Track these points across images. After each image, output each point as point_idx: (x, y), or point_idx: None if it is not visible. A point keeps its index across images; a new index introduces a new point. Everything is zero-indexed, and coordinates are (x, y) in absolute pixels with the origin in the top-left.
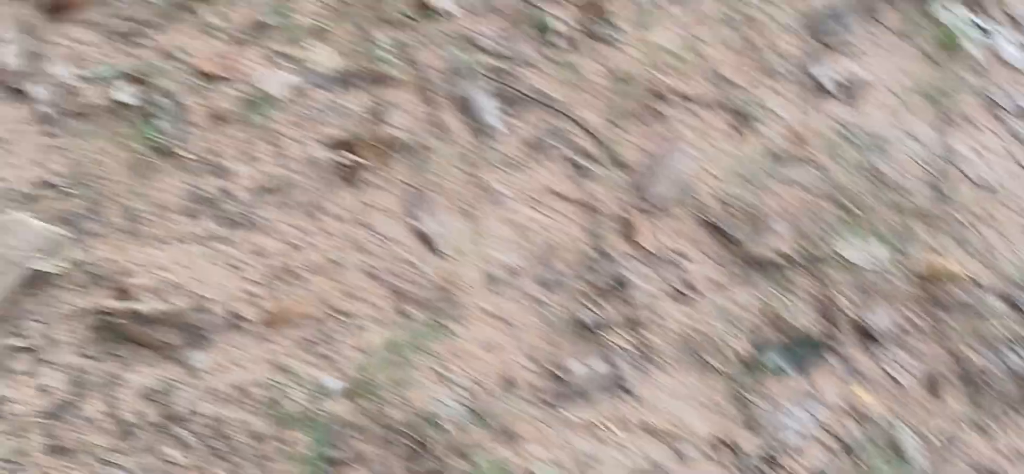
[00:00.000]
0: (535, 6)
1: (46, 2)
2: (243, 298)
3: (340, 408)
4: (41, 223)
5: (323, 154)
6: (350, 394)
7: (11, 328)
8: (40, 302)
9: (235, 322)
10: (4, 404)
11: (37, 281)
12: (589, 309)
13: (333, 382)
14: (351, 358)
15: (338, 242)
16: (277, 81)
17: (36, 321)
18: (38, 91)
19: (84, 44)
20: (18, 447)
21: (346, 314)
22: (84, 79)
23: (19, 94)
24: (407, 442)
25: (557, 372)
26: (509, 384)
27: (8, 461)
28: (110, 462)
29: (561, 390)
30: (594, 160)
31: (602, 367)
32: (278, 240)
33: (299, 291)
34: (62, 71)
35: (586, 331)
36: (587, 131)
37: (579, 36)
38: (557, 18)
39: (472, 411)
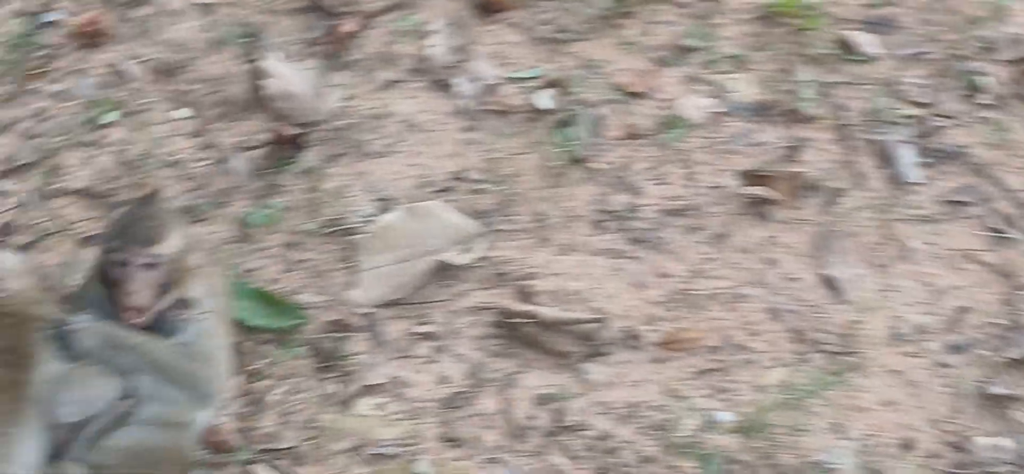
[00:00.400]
0: (965, 58)
1: (477, 0)
2: (642, 318)
3: (730, 443)
4: (454, 215)
5: (733, 183)
6: (742, 430)
7: (417, 314)
8: (446, 292)
9: (632, 340)
10: (404, 387)
11: (445, 271)
12: (999, 382)
13: (725, 415)
14: (745, 394)
15: (741, 274)
16: (694, 105)
17: (441, 310)
18: (461, 86)
19: (509, 45)
20: (413, 430)
21: (743, 348)
22: (506, 79)
23: (444, 87)
24: None
25: (959, 443)
26: (906, 447)
27: (403, 443)
28: (498, 460)
29: (962, 462)
30: (1014, 226)
31: (1009, 444)
32: (681, 264)
33: (698, 318)
34: (486, 69)
35: (994, 404)
36: (1009, 195)
37: (1009, 96)
38: (986, 75)
39: (866, 469)
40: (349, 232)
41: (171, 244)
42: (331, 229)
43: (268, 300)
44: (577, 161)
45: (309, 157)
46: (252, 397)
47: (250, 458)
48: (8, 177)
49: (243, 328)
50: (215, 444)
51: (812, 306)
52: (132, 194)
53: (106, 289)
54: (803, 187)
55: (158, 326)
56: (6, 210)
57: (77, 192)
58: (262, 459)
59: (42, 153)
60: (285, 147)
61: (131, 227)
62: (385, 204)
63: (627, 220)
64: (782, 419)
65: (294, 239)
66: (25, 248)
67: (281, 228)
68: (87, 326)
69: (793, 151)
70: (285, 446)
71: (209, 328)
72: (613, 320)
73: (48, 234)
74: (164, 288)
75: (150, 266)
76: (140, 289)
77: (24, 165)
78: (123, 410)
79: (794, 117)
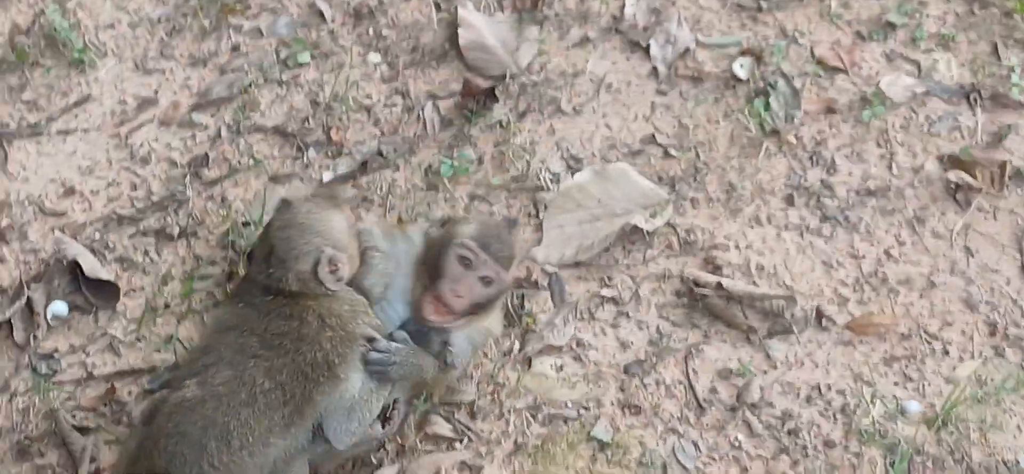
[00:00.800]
0: None
1: None
2: (831, 298)
3: (917, 434)
4: (644, 180)
5: (933, 167)
6: (930, 422)
7: (602, 277)
8: (631, 257)
9: (820, 320)
10: (586, 349)
11: (633, 236)
12: None
13: (914, 405)
14: (935, 384)
15: (936, 261)
16: (895, 83)
17: (626, 275)
18: (657, 49)
19: (706, 9)
20: (593, 394)
21: (935, 337)
22: (703, 45)
23: (639, 48)
24: None
25: None
26: None
27: (583, 405)
28: (676, 431)
29: None
30: None
31: None
32: (874, 246)
33: (888, 303)
34: (682, 33)
35: None
36: None
37: None
38: None
39: None
40: (537, 189)
41: (511, 277)
42: (518, 185)
43: None
44: (771, 133)
45: (500, 110)
46: None
47: (427, 409)
48: (204, 110)
49: None
50: None
51: (1011, 299)
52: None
53: (428, 266)
54: (1007, 175)
55: (433, 332)
56: (199, 143)
57: (269, 129)
58: (439, 411)
59: (237, 89)
60: (476, 99)
61: (494, 241)
62: (574, 163)
63: (820, 197)
64: (973, 414)
65: (480, 191)
66: (216, 182)
67: (468, 180)
68: (397, 355)
69: (997, 137)
70: (463, 400)
71: (465, 361)
72: (801, 298)
73: (239, 169)
74: (478, 309)
75: (487, 281)
76: (464, 294)
77: (219, 99)
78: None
79: (1000, 102)
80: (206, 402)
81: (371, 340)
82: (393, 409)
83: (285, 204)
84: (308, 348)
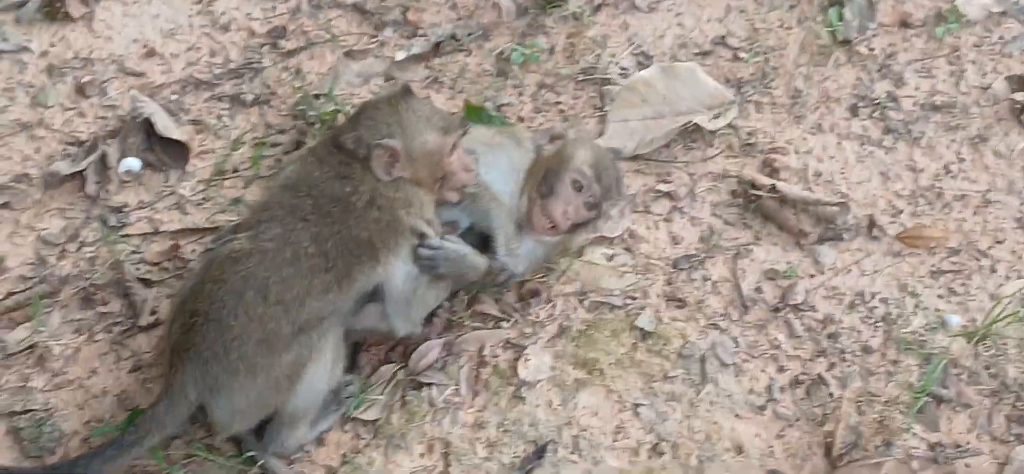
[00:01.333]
0: None
1: None
2: (885, 208)
3: (956, 347)
4: (711, 80)
5: (1001, 87)
6: (970, 336)
7: (660, 172)
8: (692, 155)
9: (871, 229)
10: (638, 241)
11: (694, 134)
12: None
13: (955, 318)
14: (979, 301)
15: (994, 180)
16: (972, 1)
17: (684, 172)
18: None
19: None
20: (640, 284)
21: (984, 255)
22: None
23: None
24: (1013, 402)
25: None
26: None
27: (630, 295)
28: (718, 326)
29: None
30: None
31: None
32: (934, 161)
33: (942, 217)
34: None
35: None
36: None
37: None
38: None
39: None
40: (604, 81)
41: (612, 208)
42: (586, 77)
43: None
44: (843, 43)
45: (576, 2)
46: None
47: (479, 287)
48: None
49: None
50: None
51: None
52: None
53: (539, 180)
54: None
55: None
56: (279, 15)
57: (348, 6)
58: (489, 291)
59: None
60: None
61: (606, 174)
62: (643, 59)
63: (885, 109)
64: (1012, 332)
65: (549, 81)
66: (292, 53)
67: (538, 69)
68: (444, 249)
69: None
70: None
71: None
72: (855, 207)
73: (315, 42)
74: (575, 227)
75: (591, 207)
76: (571, 215)
77: None
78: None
79: None
80: (252, 255)
81: (422, 235)
82: (439, 308)
83: (406, 90)
84: (355, 223)
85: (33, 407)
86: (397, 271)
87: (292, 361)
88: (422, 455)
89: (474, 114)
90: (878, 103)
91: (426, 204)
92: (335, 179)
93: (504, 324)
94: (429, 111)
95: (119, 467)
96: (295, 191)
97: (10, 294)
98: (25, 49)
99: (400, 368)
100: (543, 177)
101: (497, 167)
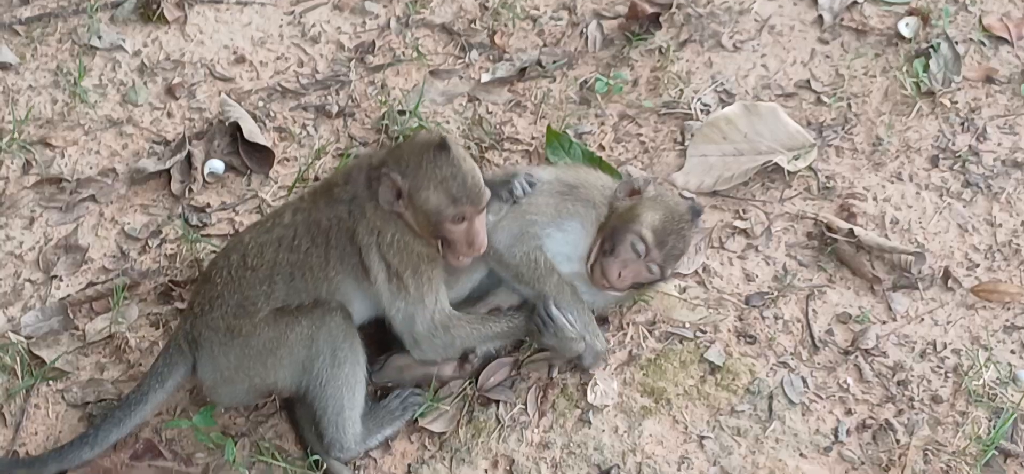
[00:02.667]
0: None
1: None
2: (961, 260)
3: None
4: (792, 122)
5: None
6: None
7: (737, 209)
8: (769, 195)
9: (946, 280)
10: (711, 275)
11: (773, 173)
12: None
13: None
14: None
15: None
16: None
17: (761, 210)
18: None
19: None
20: (711, 318)
21: None
22: (872, 0)
23: None
24: None
25: None
26: None
27: (701, 328)
28: (787, 365)
29: None
30: None
31: None
32: (1012, 217)
33: (1018, 273)
34: None
35: None
36: None
37: None
38: None
39: None
40: (686, 116)
41: (673, 269)
42: (668, 110)
43: (594, 163)
44: (926, 94)
45: (662, 37)
46: None
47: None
48: (376, 0)
49: None
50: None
51: None
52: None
53: (606, 235)
54: None
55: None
56: (368, 30)
57: (436, 26)
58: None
59: None
60: (640, 23)
61: (671, 238)
62: (727, 98)
63: (965, 162)
64: None
65: (631, 112)
66: (379, 69)
67: (621, 100)
68: (557, 323)
69: None
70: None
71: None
72: (931, 257)
73: (402, 59)
74: (637, 287)
75: (651, 272)
76: (628, 278)
77: None
78: None
79: None
80: (249, 230)
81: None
82: (473, 353)
83: (442, 145)
84: (340, 226)
85: (107, 397)
86: (379, 291)
87: (273, 337)
88: (486, 470)
89: (555, 140)
90: (959, 156)
91: (409, 245)
92: (346, 186)
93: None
94: (452, 173)
95: (128, 429)
96: (314, 191)
97: (91, 284)
98: (119, 48)
99: (469, 383)
100: (609, 233)
101: (568, 240)
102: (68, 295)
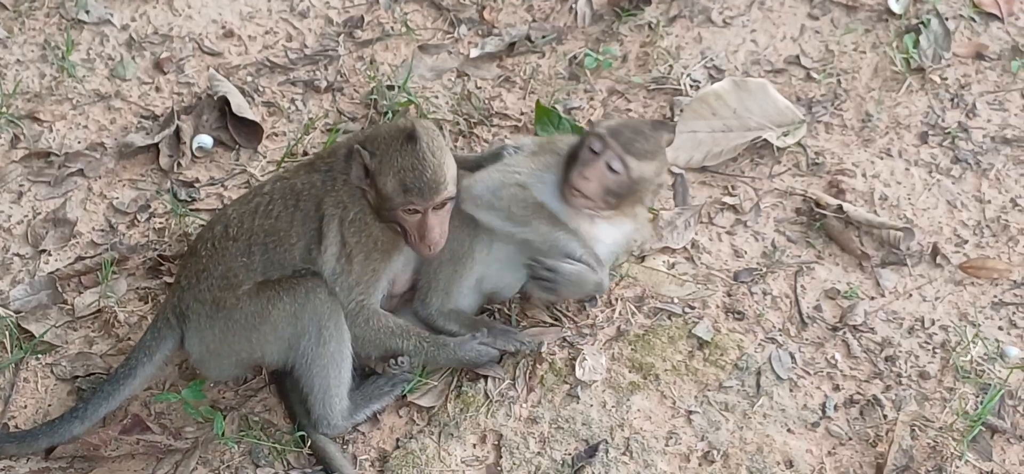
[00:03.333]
0: None
1: None
2: (949, 237)
3: (1014, 379)
4: (782, 98)
5: None
6: None
7: (725, 184)
8: (758, 170)
9: (935, 256)
10: (700, 251)
11: (762, 150)
12: None
13: (1014, 351)
14: None
15: None
16: None
17: (750, 186)
18: None
19: None
20: (700, 294)
21: None
22: None
23: None
24: None
25: None
26: None
27: (689, 303)
28: (775, 341)
29: None
30: None
31: None
32: (1001, 193)
33: (1007, 250)
34: None
35: None
36: None
37: None
38: None
39: None
40: (675, 92)
41: (642, 169)
42: (658, 86)
43: None
44: (916, 70)
45: (651, 12)
46: None
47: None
48: None
49: None
50: None
51: None
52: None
53: (569, 161)
54: None
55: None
56: (356, 5)
57: (425, 1)
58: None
59: None
60: None
61: (627, 133)
62: (715, 73)
63: (955, 138)
64: None
65: (620, 88)
66: (368, 44)
67: (610, 75)
68: (560, 272)
69: None
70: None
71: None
72: (919, 233)
73: (391, 34)
74: (611, 196)
75: (612, 170)
76: (591, 178)
77: None
78: None
79: None
80: (232, 204)
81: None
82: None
83: (411, 135)
84: (310, 197)
85: (96, 371)
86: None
87: (256, 311)
88: (474, 445)
89: (544, 115)
90: (948, 132)
91: (368, 228)
92: (327, 159)
93: (561, 323)
94: (412, 164)
95: (117, 403)
96: (300, 164)
97: (80, 259)
98: (107, 22)
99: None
100: (570, 156)
101: (547, 190)
102: (57, 269)
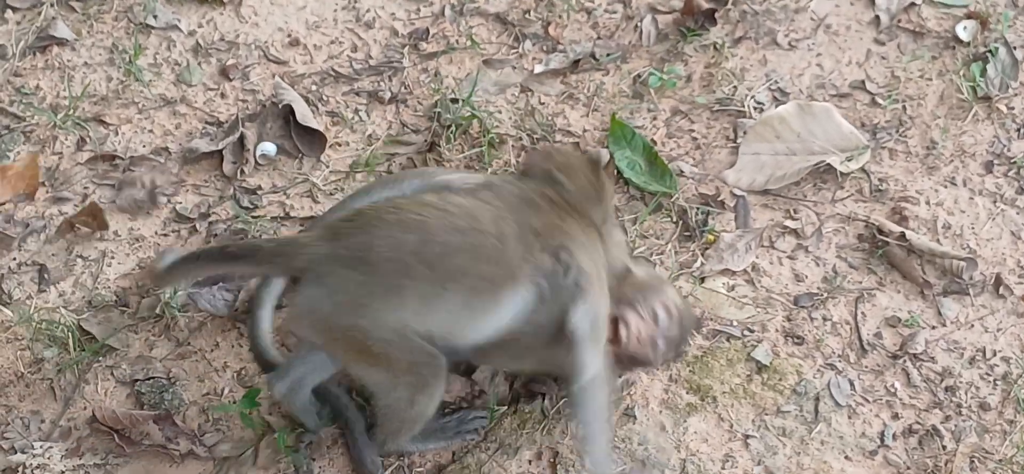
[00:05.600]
0: None
1: None
2: (1013, 268)
3: None
4: (846, 123)
5: None
6: None
7: (787, 208)
8: (821, 195)
9: (998, 287)
10: (760, 274)
11: (825, 174)
12: None
13: None
14: None
15: None
16: None
17: (812, 211)
18: None
19: None
20: (759, 318)
21: None
22: (929, 1)
23: None
24: None
25: None
26: None
27: (748, 327)
28: (834, 367)
29: None
30: None
31: None
32: None
33: None
34: None
35: None
36: None
37: None
38: None
39: None
40: (739, 114)
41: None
42: (721, 107)
43: (651, 157)
44: (983, 99)
45: (717, 33)
46: None
47: None
48: None
49: (618, 177)
50: None
51: None
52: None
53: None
54: None
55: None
56: (422, 17)
57: (491, 15)
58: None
59: None
60: (695, 18)
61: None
62: (780, 96)
63: (1021, 168)
64: None
65: (684, 108)
66: (432, 56)
67: (674, 95)
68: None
69: None
70: None
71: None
72: (983, 263)
73: (455, 48)
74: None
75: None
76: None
77: None
78: None
79: None
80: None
81: None
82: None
83: None
84: None
85: (155, 375)
86: None
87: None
88: (530, 461)
89: (618, 129)
90: (1014, 162)
91: None
92: None
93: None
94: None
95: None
96: None
97: (141, 263)
98: (174, 27)
99: (514, 376)
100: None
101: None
102: (119, 273)
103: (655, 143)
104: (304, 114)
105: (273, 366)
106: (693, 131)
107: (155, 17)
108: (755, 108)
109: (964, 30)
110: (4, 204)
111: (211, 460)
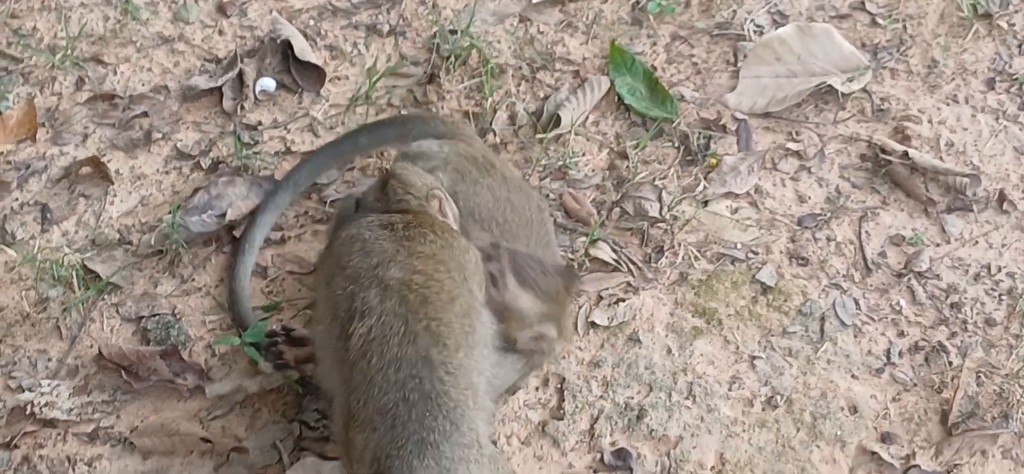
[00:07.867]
0: None
1: None
2: (1016, 183)
3: None
4: (847, 43)
5: None
6: None
7: (789, 130)
8: (823, 116)
9: (1001, 203)
10: (763, 196)
11: (826, 95)
12: None
13: None
14: None
15: None
16: None
17: (814, 132)
18: None
19: None
20: (763, 239)
21: None
22: None
23: None
24: None
25: None
26: None
27: (752, 249)
28: (839, 286)
29: None
30: None
31: None
32: None
33: None
34: None
35: None
36: None
37: None
38: None
39: None
40: (738, 37)
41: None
42: (721, 31)
43: (651, 83)
44: (983, 16)
45: None
46: (615, 175)
47: (599, 236)
48: None
49: (619, 103)
50: (572, 212)
51: None
52: None
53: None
54: None
55: None
56: None
57: None
58: (609, 238)
59: None
60: None
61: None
62: (779, 18)
63: (1022, 85)
64: None
65: (683, 33)
66: None
67: (673, 20)
68: None
69: None
70: (635, 228)
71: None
72: (986, 179)
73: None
74: None
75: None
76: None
77: None
78: None
79: None
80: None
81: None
82: None
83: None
84: None
85: (161, 311)
86: None
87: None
88: (537, 388)
89: (618, 56)
90: (1016, 79)
91: None
92: None
93: (623, 269)
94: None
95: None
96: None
97: (144, 200)
98: None
99: None
100: None
101: None
102: (122, 211)
103: (655, 69)
104: (302, 49)
105: (247, 325)
106: (693, 56)
107: None
108: (755, 31)
109: None
110: (5, 150)
111: (217, 394)
